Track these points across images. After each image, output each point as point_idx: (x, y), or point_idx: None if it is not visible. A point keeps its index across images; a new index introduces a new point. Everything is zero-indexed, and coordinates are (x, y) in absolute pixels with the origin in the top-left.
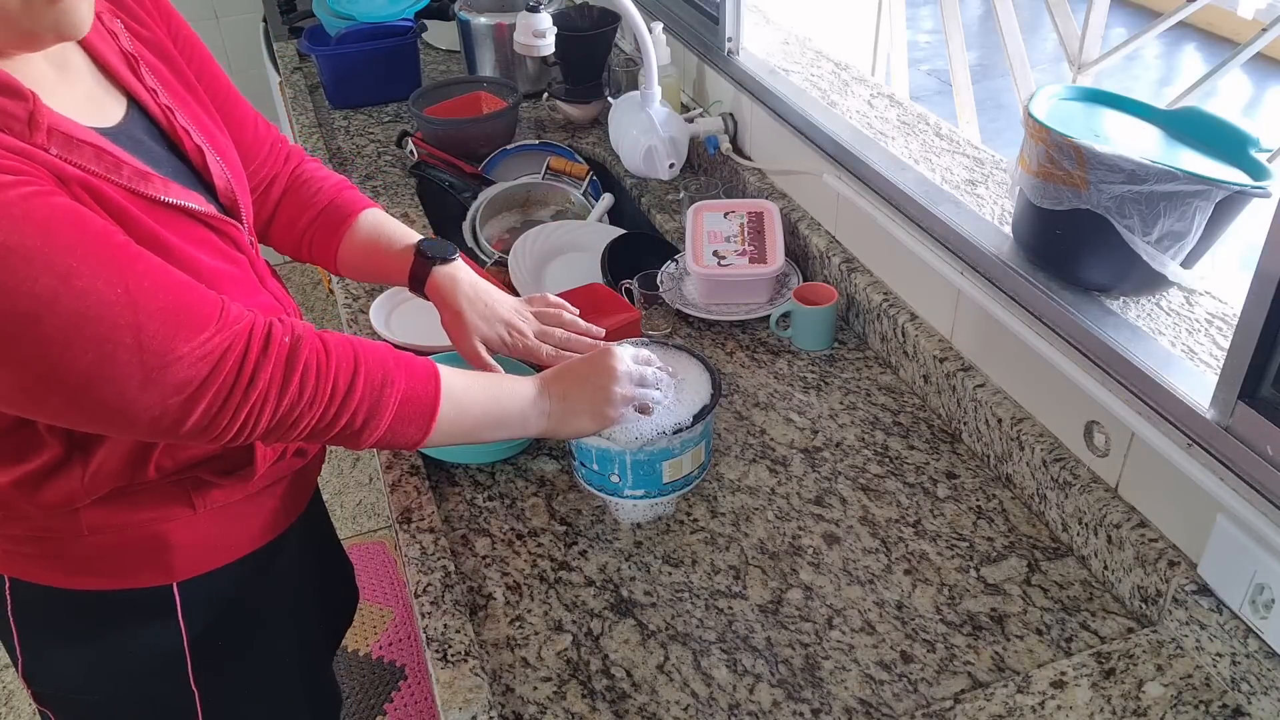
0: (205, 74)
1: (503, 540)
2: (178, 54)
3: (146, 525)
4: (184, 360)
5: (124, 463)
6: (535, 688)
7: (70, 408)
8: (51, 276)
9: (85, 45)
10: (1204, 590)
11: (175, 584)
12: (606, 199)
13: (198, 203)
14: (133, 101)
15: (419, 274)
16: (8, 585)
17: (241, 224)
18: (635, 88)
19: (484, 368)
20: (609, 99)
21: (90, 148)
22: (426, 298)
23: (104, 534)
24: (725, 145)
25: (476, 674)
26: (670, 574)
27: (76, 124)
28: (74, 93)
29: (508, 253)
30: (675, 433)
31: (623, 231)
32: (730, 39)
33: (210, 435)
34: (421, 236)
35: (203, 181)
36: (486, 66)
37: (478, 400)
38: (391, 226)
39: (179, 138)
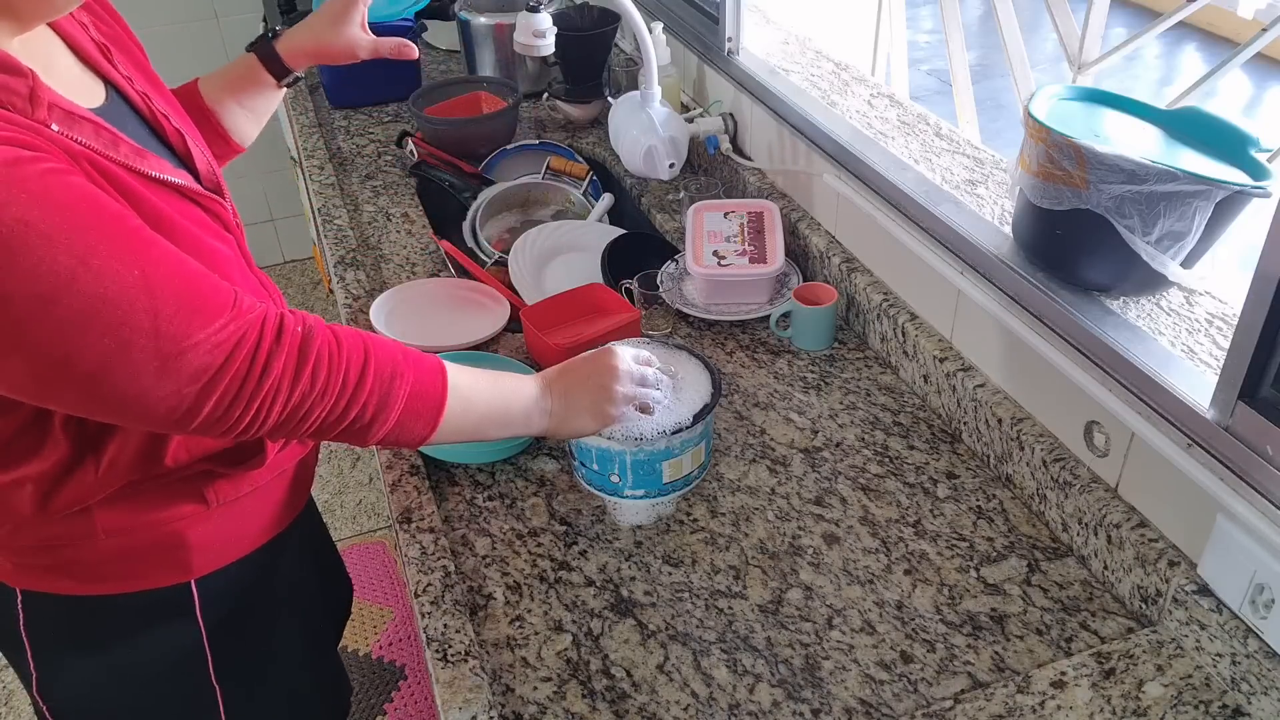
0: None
1: (503, 540)
2: (138, 51)
3: (162, 525)
4: (200, 347)
5: (138, 455)
6: (535, 688)
7: (85, 396)
8: (70, 256)
9: (61, 33)
10: (1204, 590)
11: (193, 581)
12: (606, 199)
13: (187, 180)
14: (110, 87)
15: (268, 55)
16: (20, 599)
17: (226, 203)
18: (635, 88)
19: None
20: (609, 99)
21: (89, 123)
22: (295, 70)
23: (119, 536)
24: (725, 145)
25: (476, 674)
26: (670, 574)
27: (72, 102)
28: (58, 79)
29: (508, 253)
30: (675, 433)
31: (623, 231)
32: (730, 39)
33: (223, 426)
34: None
35: (184, 164)
36: (486, 66)
37: (482, 397)
38: (218, 70)
39: (159, 122)
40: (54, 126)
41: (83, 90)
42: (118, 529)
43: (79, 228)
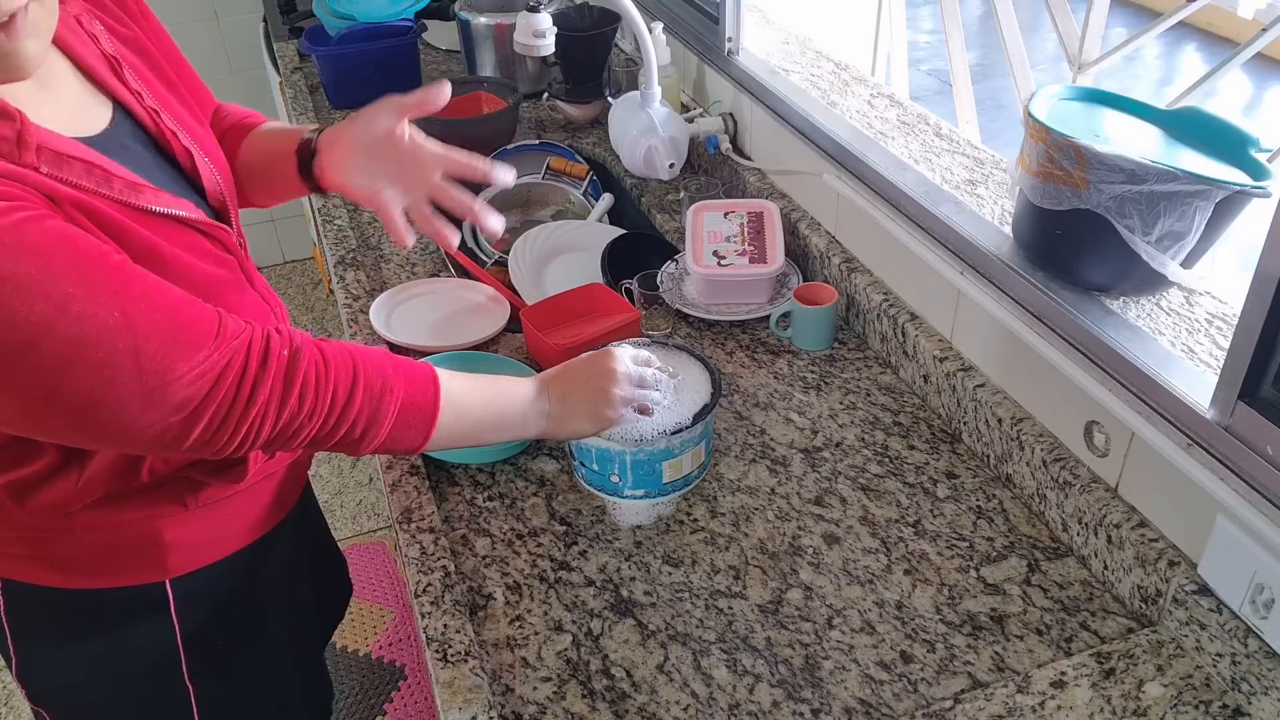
0: (183, 72)
1: (503, 540)
2: (157, 52)
3: (139, 524)
4: (184, 379)
5: (116, 468)
6: (535, 688)
7: (72, 429)
8: (47, 303)
9: (66, 50)
10: (1204, 590)
11: (168, 580)
12: (606, 199)
13: (187, 210)
14: (118, 106)
15: (304, 152)
16: (0, 586)
17: (230, 226)
18: (635, 88)
19: (375, 203)
20: (609, 99)
21: (79, 163)
22: (321, 188)
23: (97, 533)
24: (725, 145)
25: (476, 674)
26: (670, 574)
27: (63, 138)
28: (58, 103)
29: (508, 253)
30: (675, 433)
31: (623, 231)
32: (730, 39)
33: (212, 449)
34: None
35: (191, 184)
36: (486, 66)
37: (477, 403)
38: (289, 127)
39: (167, 141)
40: (42, 169)
41: (86, 115)
42: (95, 526)
43: (56, 274)
